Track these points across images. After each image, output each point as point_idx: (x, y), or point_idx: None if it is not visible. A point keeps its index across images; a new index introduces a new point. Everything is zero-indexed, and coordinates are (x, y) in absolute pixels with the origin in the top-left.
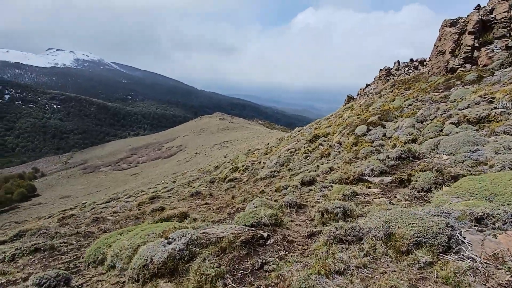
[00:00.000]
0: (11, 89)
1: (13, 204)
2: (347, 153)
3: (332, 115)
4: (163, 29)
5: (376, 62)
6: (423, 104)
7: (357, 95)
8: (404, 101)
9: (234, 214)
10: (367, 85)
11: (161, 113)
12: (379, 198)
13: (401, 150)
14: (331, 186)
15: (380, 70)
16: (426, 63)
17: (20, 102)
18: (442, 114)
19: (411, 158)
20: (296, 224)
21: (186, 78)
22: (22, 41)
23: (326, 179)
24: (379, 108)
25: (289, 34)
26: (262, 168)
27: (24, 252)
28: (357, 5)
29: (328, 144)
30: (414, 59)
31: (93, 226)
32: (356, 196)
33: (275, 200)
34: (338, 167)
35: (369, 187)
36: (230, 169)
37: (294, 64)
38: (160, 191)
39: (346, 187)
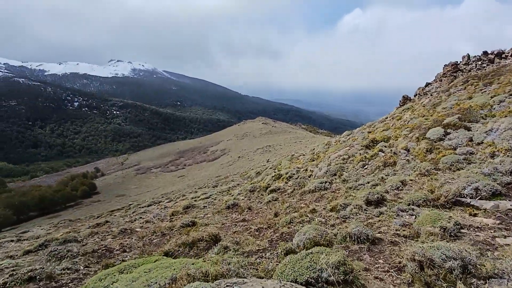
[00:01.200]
0: (80, 97)
1: (77, 200)
2: (421, 162)
3: (387, 117)
4: (212, 37)
5: (433, 62)
6: None
7: (415, 96)
8: (491, 97)
9: (278, 243)
10: (427, 84)
11: (207, 118)
12: (505, 236)
13: None
14: (413, 210)
15: (445, 65)
16: (506, 55)
17: (86, 108)
18: None
19: None
20: (376, 278)
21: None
22: (90, 54)
23: (400, 198)
24: (451, 108)
25: (335, 37)
26: (309, 177)
27: (16, 280)
28: (409, 3)
29: (391, 150)
30: (489, 51)
31: (118, 239)
32: (461, 231)
33: (333, 226)
34: (412, 180)
35: (475, 215)
36: (273, 176)
37: (341, 67)
38: (199, 197)
39: (441, 215)
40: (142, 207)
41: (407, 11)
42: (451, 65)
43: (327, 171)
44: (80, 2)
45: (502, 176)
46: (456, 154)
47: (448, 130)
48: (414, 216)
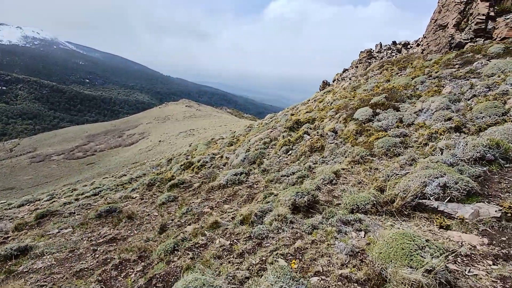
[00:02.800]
0: None
1: None
2: (352, 146)
3: (309, 100)
4: (130, 8)
5: (346, 54)
6: (442, 81)
7: (333, 81)
8: (412, 79)
9: None
10: (345, 70)
11: (123, 98)
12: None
13: (483, 146)
14: (360, 221)
15: (361, 52)
16: (411, 46)
17: None
18: (487, 92)
19: (500, 161)
20: None
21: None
22: None
23: (337, 198)
24: (372, 90)
25: (262, 23)
26: (225, 165)
27: None
28: None
29: (317, 133)
30: (397, 42)
31: None
32: (447, 265)
33: (240, 257)
34: (345, 170)
35: (447, 227)
36: (182, 165)
37: (267, 53)
38: (82, 194)
39: (412, 237)
40: (9, 209)
41: (327, 5)
42: (366, 52)
43: (245, 158)
44: None
45: (468, 167)
46: (390, 136)
47: (377, 110)
48: (364, 234)
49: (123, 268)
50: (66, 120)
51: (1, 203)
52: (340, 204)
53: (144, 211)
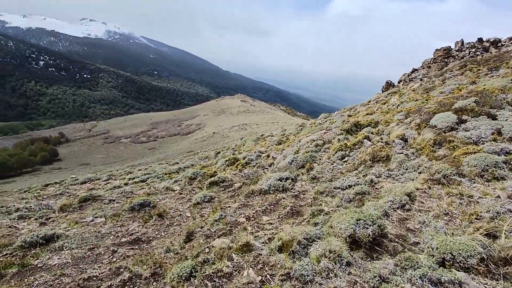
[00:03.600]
0: (46, 56)
1: (36, 166)
2: (429, 160)
3: (370, 101)
4: (197, 6)
5: (411, 54)
6: None
7: (399, 82)
8: (511, 80)
9: None
10: (414, 70)
11: (185, 90)
12: None
13: None
14: (460, 285)
15: (437, 50)
16: (503, 43)
17: (53, 69)
18: None
19: None
20: None
21: (214, 58)
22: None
23: (415, 233)
24: (451, 92)
25: (322, 20)
26: (270, 166)
27: None
28: None
29: (381, 139)
30: (484, 39)
31: None
32: None
33: None
34: (420, 190)
35: None
36: (226, 160)
37: (325, 51)
38: (132, 179)
39: None
40: (74, 185)
41: (396, 0)
42: (443, 50)
43: (292, 160)
44: None
45: None
46: (487, 153)
47: (464, 117)
48: None
49: (131, 286)
50: (135, 107)
51: (71, 177)
52: (420, 244)
53: (177, 209)
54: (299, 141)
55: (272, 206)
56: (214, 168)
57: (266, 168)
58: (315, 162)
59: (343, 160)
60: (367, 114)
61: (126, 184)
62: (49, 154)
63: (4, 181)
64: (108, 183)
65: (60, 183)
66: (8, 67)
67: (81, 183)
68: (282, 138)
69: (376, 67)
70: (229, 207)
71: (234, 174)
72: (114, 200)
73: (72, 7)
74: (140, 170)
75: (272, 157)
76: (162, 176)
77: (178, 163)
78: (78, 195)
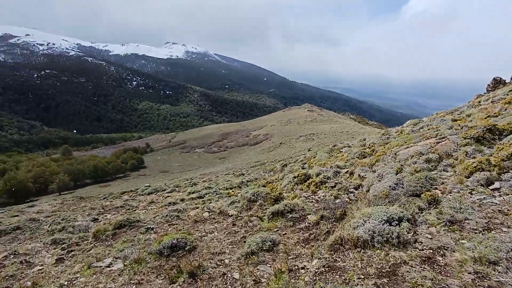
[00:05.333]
0: (138, 77)
1: (126, 172)
2: None
3: (479, 101)
4: (269, 23)
5: (506, 56)
6: None
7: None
8: None
9: None
10: None
11: (253, 102)
12: None
13: None
14: None
15: None
16: None
17: (143, 87)
18: None
19: None
20: None
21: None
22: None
23: None
24: None
25: (398, 22)
26: (357, 188)
27: None
28: None
29: None
30: None
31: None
32: None
33: None
34: None
35: None
36: (295, 177)
37: (400, 55)
38: (191, 193)
39: None
40: (141, 195)
41: None
42: None
43: (396, 183)
44: None
45: None
46: None
47: None
48: None
49: None
50: (209, 119)
51: (145, 186)
52: None
53: (222, 261)
54: (395, 154)
55: (385, 281)
56: (279, 187)
57: (351, 192)
58: (437, 189)
59: (491, 187)
60: (488, 116)
61: (182, 200)
62: (137, 162)
63: (102, 185)
64: (168, 196)
65: (135, 190)
66: (110, 88)
67: (148, 193)
68: (365, 149)
69: (459, 71)
70: (303, 268)
71: (306, 199)
72: (152, 229)
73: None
74: (205, 181)
75: (359, 175)
76: (221, 192)
77: (243, 174)
78: (112, 222)
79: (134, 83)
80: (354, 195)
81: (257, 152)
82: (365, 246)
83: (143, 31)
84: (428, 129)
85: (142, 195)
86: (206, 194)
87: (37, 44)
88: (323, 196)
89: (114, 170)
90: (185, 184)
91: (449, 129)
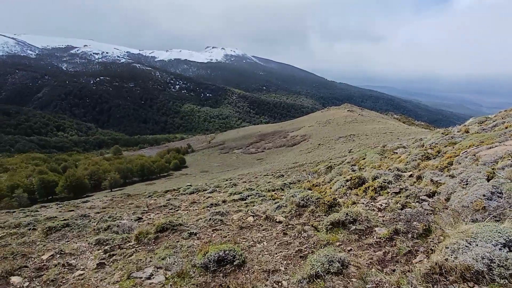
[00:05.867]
0: (180, 81)
1: (170, 171)
2: None
3: None
4: (309, 22)
5: None
6: None
7: None
8: None
9: None
10: None
11: (290, 103)
12: None
13: None
14: None
15: None
16: None
17: (185, 91)
18: None
19: None
20: None
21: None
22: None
23: None
24: None
25: (450, 14)
26: (431, 196)
27: None
28: None
29: None
30: None
31: None
32: None
33: None
34: None
35: None
36: (347, 180)
37: (455, 50)
38: (233, 194)
39: None
40: (184, 194)
41: None
42: None
43: (492, 192)
44: None
45: None
46: None
47: None
48: None
49: None
50: (246, 120)
51: (187, 185)
52: None
53: (278, 283)
54: (474, 155)
55: None
56: (330, 191)
57: (423, 200)
58: None
59: None
60: None
61: (224, 201)
62: (179, 161)
63: (148, 183)
64: (210, 196)
65: (177, 189)
66: (155, 92)
67: (189, 193)
68: (427, 150)
69: None
70: None
71: (366, 206)
72: (195, 234)
73: (200, 38)
74: (245, 182)
75: (431, 180)
76: (264, 195)
77: (283, 176)
78: (155, 223)
79: (177, 86)
80: (428, 204)
81: (295, 153)
82: (479, 280)
83: (186, 37)
84: (506, 127)
85: (184, 194)
86: (248, 196)
87: (93, 53)
88: (386, 204)
89: (159, 169)
90: (225, 184)
91: None
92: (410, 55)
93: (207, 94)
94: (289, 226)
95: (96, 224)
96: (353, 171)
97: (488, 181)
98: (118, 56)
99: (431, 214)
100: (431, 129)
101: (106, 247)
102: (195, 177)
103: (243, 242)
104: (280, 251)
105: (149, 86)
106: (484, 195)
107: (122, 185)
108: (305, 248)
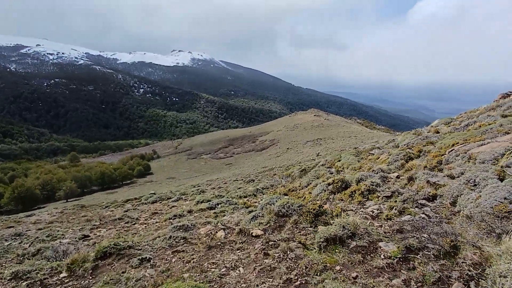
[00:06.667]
0: (145, 84)
1: (133, 179)
2: None
3: None
4: (277, 29)
5: None
6: None
7: None
8: None
9: None
10: None
11: (259, 108)
12: None
13: None
14: None
15: None
16: None
17: (150, 95)
18: None
19: None
20: None
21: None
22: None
23: None
24: None
25: (406, 26)
26: (430, 200)
27: None
28: None
29: None
30: None
31: None
32: None
33: None
34: None
35: None
36: (329, 184)
37: (408, 59)
38: (201, 202)
39: None
40: (145, 203)
41: None
42: None
43: (505, 198)
44: None
45: None
46: None
47: None
48: None
49: None
50: (214, 125)
51: (150, 193)
52: None
53: None
54: (465, 153)
55: None
56: (310, 196)
57: (423, 205)
58: None
59: None
60: None
61: (190, 211)
62: (143, 168)
63: (109, 192)
64: (174, 206)
65: (139, 198)
66: (118, 95)
67: (152, 202)
68: (408, 150)
69: (471, 74)
70: None
71: (356, 213)
72: (149, 260)
73: (166, 41)
74: (214, 188)
75: (428, 182)
76: (236, 202)
77: (254, 180)
78: (95, 249)
79: (141, 90)
80: (431, 210)
81: (264, 157)
82: None
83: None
84: (480, 126)
85: (145, 203)
86: (217, 204)
87: (47, 53)
88: (378, 210)
89: (121, 176)
90: (192, 191)
91: None
92: (372, 63)
93: (174, 99)
94: (270, 243)
95: (28, 247)
96: (331, 173)
97: (501, 181)
98: (76, 57)
99: (441, 223)
100: (391, 133)
101: (23, 284)
102: (161, 184)
103: (213, 270)
104: (263, 282)
105: (111, 90)
106: (505, 198)
107: (80, 195)
108: (295, 276)
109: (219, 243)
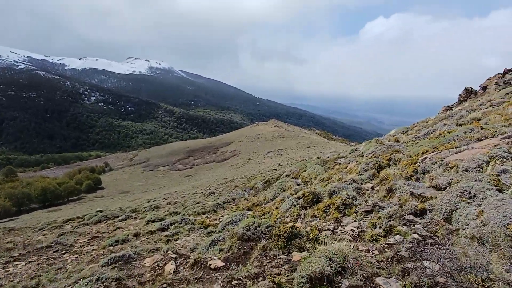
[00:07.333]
0: (97, 92)
1: (81, 194)
2: None
3: (482, 105)
4: (238, 41)
5: (459, 76)
6: None
7: (483, 88)
8: None
9: None
10: (509, 71)
11: (219, 118)
12: None
13: None
14: None
15: None
16: None
17: (102, 103)
18: None
19: None
20: None
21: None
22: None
23: None
24: None
25: (358, 44)
26: (419, 215)
27: None
28: (435, 13)
29: None
30: None
31: None
32: None
33: None
34: None
35: None
36: (299, 197)
37: (361, 74)
38: (148, 222)
39: None
40: (87, 224)
41: (433, 21)
42: None
43: None
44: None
45: None
46: None
47: None
48: None
49: None
50: (174, 136)
51: (96, 211)
52: None
53: None
54: (442, 161)
55: None
56: (277, 212)
57: (412, 222)
58: None
59: None
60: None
61: (137, 235)
62: (93, 182)
63: (52, 209)
64: (119, 227)
65: (82, 217)
66: (65, 103)
67: (95, 222)
68: (376, 159)
69: (415, 89)
70: None
71: (334, 232)
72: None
73: (121, 48)
74: (170, 204)
75: (411, 194)
76: (193, 220)
77: (214, 193)
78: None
79: (93, 98)
80: (423, 228)
81: (225, 168)
82: None
83: (106, 46)
84: (440, 134)
85: (87, 224)
86: (171, 224)
87: None
88: (358, 228)
89: (67, 192)
90: (145, 208)
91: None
92: (329, 77)
93: (129, 108)
94: (233, 281)
95: None
96: (298, 185)
97: (501, 192)
98: (15, 61)
99: (443, 245)
100: (347, 143)
101: None
102: (113, 199)
103: None
104: None
105: (57, 97)
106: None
107: (16, 214)
108: None
109: (166, 282)
